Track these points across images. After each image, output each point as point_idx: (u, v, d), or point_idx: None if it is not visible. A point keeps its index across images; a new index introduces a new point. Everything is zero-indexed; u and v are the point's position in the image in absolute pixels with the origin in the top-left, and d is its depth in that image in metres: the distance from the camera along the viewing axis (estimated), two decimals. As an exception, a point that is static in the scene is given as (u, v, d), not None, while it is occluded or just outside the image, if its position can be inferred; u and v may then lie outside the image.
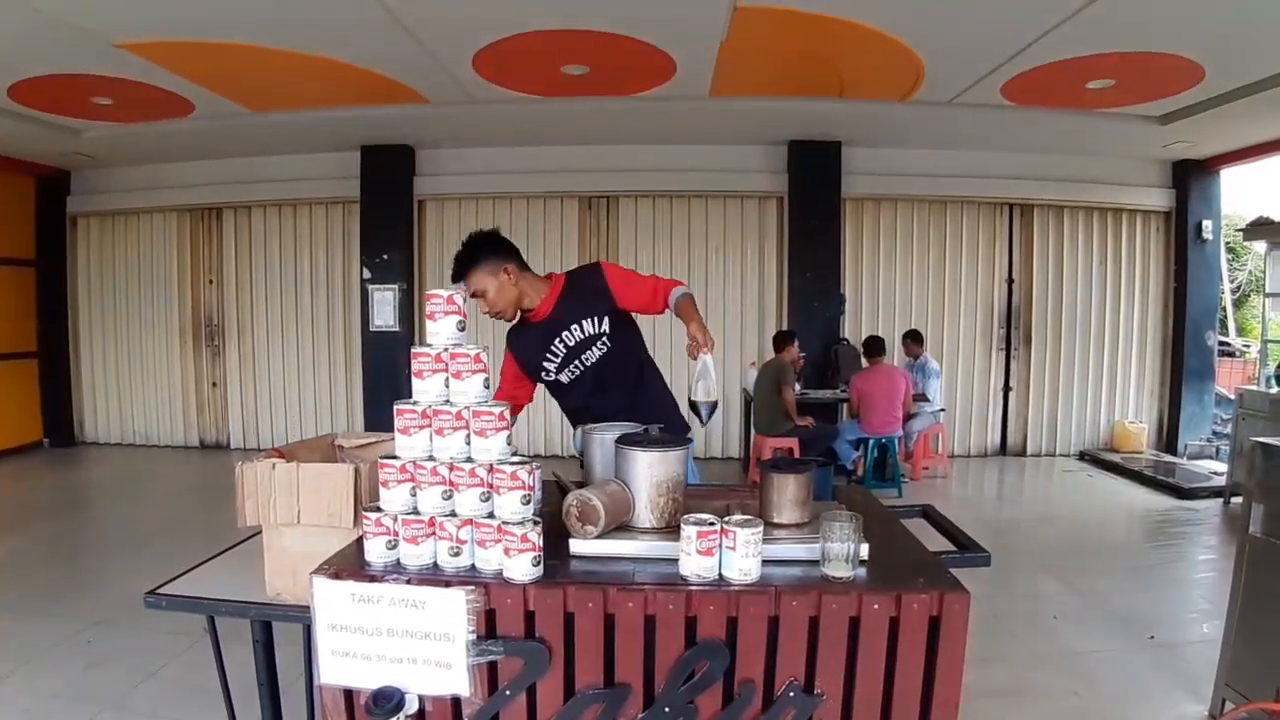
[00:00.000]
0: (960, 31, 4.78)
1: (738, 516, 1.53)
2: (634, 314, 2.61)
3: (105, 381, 8.79)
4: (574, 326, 2.50)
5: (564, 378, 2.55)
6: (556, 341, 2.52)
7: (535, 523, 1.51)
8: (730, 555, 1.48)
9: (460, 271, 2.46)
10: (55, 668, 3.30)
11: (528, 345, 2.56)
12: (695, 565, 1.49)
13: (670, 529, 1.64)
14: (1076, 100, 6.06)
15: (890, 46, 4.99)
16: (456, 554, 1.55)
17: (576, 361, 2.53)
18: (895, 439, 6.60)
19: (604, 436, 1.94)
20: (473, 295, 2.45)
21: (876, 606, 1.43)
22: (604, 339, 2.51)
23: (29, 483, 7.20)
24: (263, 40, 4.86)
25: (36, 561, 4.79)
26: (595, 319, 2.50)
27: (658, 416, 2.25)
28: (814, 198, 7.60)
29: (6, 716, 2.92)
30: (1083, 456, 8.09)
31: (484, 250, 2.47)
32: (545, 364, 2.56)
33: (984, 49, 5.09)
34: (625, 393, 2.52)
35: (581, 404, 2.57)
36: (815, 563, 1.53)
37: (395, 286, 7.79)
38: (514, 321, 2.60)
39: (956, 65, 5.40)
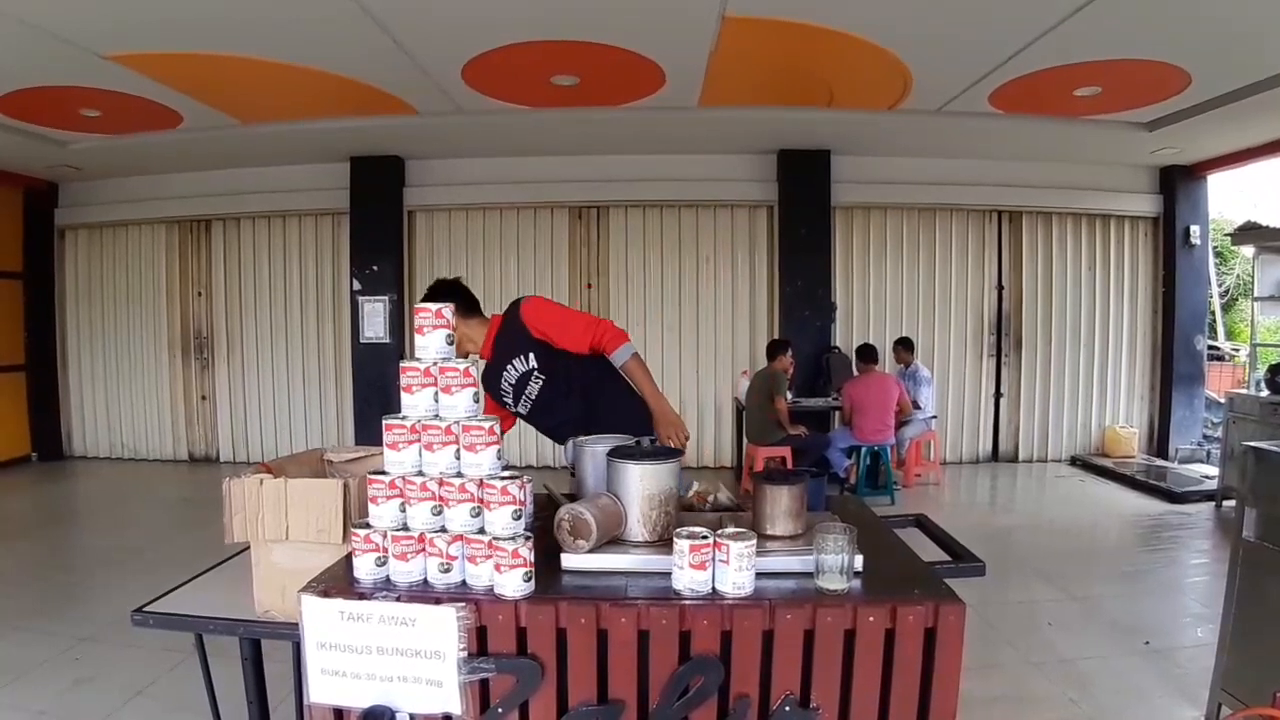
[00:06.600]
0: (947, 41, 4.80)
1: (730, 529, 1.52)
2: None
3: (94, 395, 8.72)
4: (509, 367, 2.62)
5: (521, 409, 2.68)
6: (502, 380, 2.65)
7: (526, 538, 1.50)
8: (723, 569, 1.47)
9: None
10: (43, 685, 3.25)
11: (489, 383, 2.65)
12: (688, 579, 1.48)
13: (663, 542, 1.63)
14: (1064, 108, 6.09)
15: (878, 56, 5.01)
16: (447, 570, 1.54)
17: (524, 396, 2.64)
18: (888, 447, 6.60)
19: (595, 449, 1.94)
20: None
21: (871, 619, 1.43)
22: (535, 374, 2.60)
23: (16, 497, 7.12)
24: (251, 51, 4.85)
25: (23, 577, 4.73)
26: (522, 357, 2.59)
27: (616, 429, 2.31)
28: (804, 206, 7.62)
29: (-8, 736, 2.88)
30: (1074, 461, 8.11)
31: (433, 297, 2.55)
32: (504, 398, 2.69)
33: (971, 58, 5.12)
34: (576, 415, 2.58)
35: (547, 427, 2.73)
36: (809, 575, 1.52)
37: (385, 298, 7.76)
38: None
39: (944, 74, 5.42)
